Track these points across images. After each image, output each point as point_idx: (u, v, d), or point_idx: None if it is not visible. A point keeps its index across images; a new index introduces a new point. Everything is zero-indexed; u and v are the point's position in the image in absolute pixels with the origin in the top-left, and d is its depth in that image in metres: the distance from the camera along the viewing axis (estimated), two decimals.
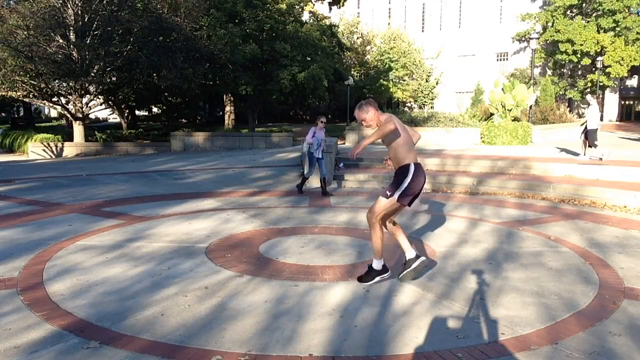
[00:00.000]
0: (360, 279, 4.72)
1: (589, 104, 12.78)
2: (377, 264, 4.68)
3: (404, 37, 45.19)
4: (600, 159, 12.17)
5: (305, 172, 10.37)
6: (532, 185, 10.17)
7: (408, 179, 4.46)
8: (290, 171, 13.02)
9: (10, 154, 24.34)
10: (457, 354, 3.42)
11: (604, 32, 37.50)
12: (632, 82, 43.63)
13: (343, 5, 35.88)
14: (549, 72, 41.59)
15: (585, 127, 12.61)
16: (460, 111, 26.32)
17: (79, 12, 20.21)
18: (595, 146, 12.44)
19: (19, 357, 3.33)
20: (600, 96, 12.84)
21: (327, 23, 33.31)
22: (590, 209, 8.66)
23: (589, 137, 12.52)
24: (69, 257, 5.53)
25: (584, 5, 39.06)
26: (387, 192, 4.53)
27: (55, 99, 22.73)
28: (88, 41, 20.36)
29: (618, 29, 37.10)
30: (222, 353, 3.41)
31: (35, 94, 21.81)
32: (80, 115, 22.36)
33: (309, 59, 27.36)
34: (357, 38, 46.94)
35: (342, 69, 39.00)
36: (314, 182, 11.26)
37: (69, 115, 23.06)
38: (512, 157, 13.11)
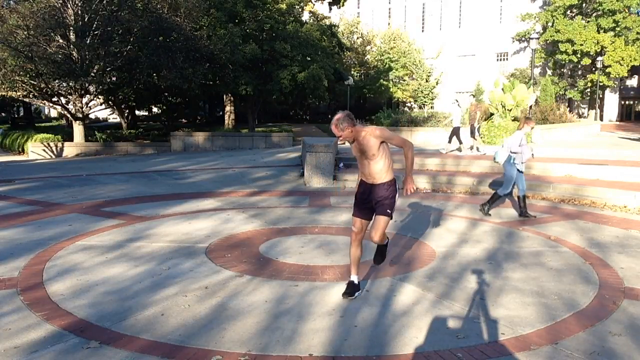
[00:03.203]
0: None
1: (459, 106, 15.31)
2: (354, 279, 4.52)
3: (404, 37, 45.17)
4: (459, 149, 14.72)
5: (500, 190, 7.96)
6: (532, 185, 10.15)
7: (397, 193, 4.43)
8: (290, 171, 13.02)
9: (10, 154, 24.34)
10: (457, 354, 3.42)
11: (604, 32, 37.49)
12: (632, 82, 43.63)
13: (343, 5, 35.87)
14: (549, 72, 41.57)
15: (472, 127, 14.88)
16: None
17: (79, 12, 20.20)
18: (461, 142, 14.58)
19: (19, 357, 3.33)
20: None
21: (327, 23, 33.31)
22: (590, 209, 8.66)
23: (456, 134, 14.65)
24: (69, 257, 5.53)
25: (584, 5, 39.05)
26: (388, 210, 4.36)
27: (55, 99, 22.72)
28: (88, 41, 20.35)
29: (618, 29, 37.09)
30: (222, 353, 3.41)
31: (35, 94, 21.80)
32: (80, 115, 22.36)
33: (309, 59, 27.36)
34: (357, 38, 46.93)
35: (342, 69, 39.01)
36: (315, 182, 11.26)
37: (69, 115, 23.06)
38: None
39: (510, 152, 7.73)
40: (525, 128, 7.74)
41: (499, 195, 7.97)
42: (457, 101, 15.68)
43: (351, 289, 4.45)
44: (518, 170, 7.81)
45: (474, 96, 15.20)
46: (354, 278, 4.52)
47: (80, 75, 20.10)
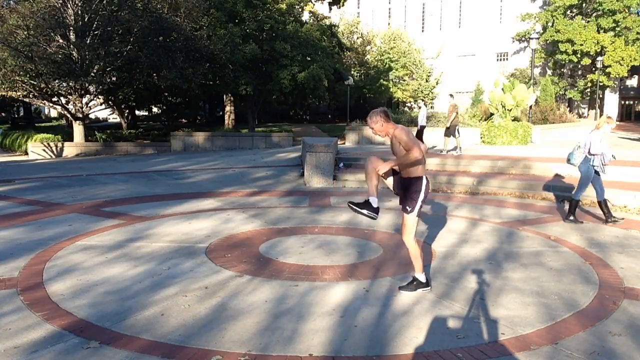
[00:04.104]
0: (402, 288, 4.60)
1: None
2: (421, 277, 4.60)
3: (404, 37, 45.14)
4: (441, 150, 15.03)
5: (575, 194, 7.53)
6: (532, 185, 10.16)
7: (423, 194, 4.46)
8: (290, 171, 13.02)
9: (10, 154, 24.33)
10: (457, 354, 3.42)
11: (604, 32, 37.47)
12: (632, 82, 43.62)
13: (343, 5, 35.88)
14: (549, 72, 41.56)
15: (447, 127, 14.89)
16: (460, 111, 26.30)
17: (79, 12, 20.21)
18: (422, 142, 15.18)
19: (19, 357, 3.33)
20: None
21: (327, 23, 33.31)
22: (590, 208, 8.65)
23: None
24: (69, 257, 5.53)
25: (584, 5, 39.04)
26: (407, 207, 4.46)
27: (55, 99, 22.73)
28: (88, 41, 20.36)
29: (618, 29, 37.08)
30: (222, 353, 3.41)
31: (35, 94, 21.81)
32: (80, 115, 22.36)
33: (309, 59, 27.36)
34: (357, 38, 46.93)
35: (342, 69, 39.01)
36: (315, 182, 11.26)
37: (69, 115, 23.07)
38: (512, 157, 13.10)
39: (589, 153, 7.11)
40: (605, 127, 7.05)
41: (576, 200, 7.48)
42: (423, 101, 17.23)
43: (360, 204, 4.47)
44: (596, 172, 7.23)
45: (452, 96, 15.35)
46: (370, 198, 4.50)
47: (80, 75, 20.11)
